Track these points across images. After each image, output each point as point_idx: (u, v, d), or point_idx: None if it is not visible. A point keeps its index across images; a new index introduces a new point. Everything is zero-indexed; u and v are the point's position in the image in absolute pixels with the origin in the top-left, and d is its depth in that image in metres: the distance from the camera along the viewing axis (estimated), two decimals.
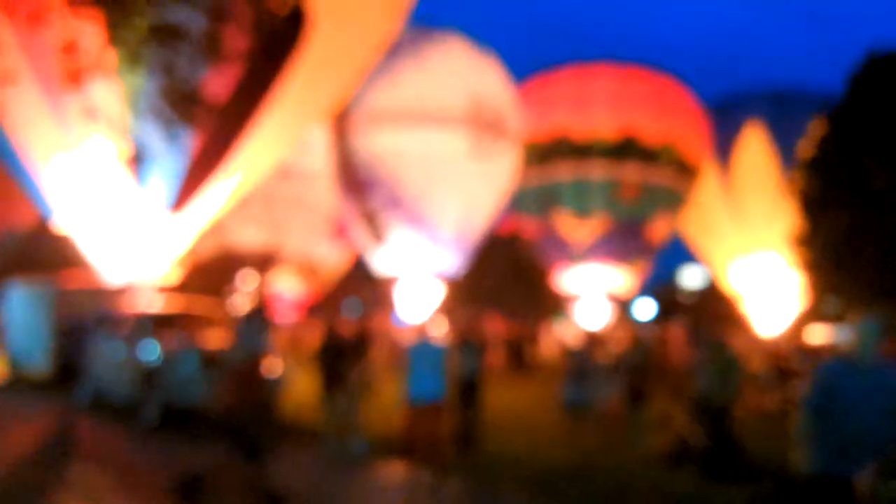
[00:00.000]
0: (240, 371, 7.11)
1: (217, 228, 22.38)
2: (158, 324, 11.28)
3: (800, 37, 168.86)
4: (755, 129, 29.83)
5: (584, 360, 9.16)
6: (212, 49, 11.06)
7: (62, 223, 14.61)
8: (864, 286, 19.02)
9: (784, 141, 28.81)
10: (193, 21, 9.85)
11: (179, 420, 10.01)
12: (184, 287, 20.63)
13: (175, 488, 6.37)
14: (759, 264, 30.28)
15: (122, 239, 15.03)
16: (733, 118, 30.18)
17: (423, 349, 7.71)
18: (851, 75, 19.84)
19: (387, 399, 10.76)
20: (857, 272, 19.04)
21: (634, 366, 8.36)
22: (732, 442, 7.31)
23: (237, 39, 11.87)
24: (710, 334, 8.85)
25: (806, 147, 21.46)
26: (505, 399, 11.93)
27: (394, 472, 8.00)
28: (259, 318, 7.49)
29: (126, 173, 13.83)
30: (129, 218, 14.71)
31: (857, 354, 4.15)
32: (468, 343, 8.82)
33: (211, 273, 20.57)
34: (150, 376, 10.38)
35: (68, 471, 7.67)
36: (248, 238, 24.61)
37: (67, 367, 12.93)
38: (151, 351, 10.59)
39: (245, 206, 25.77)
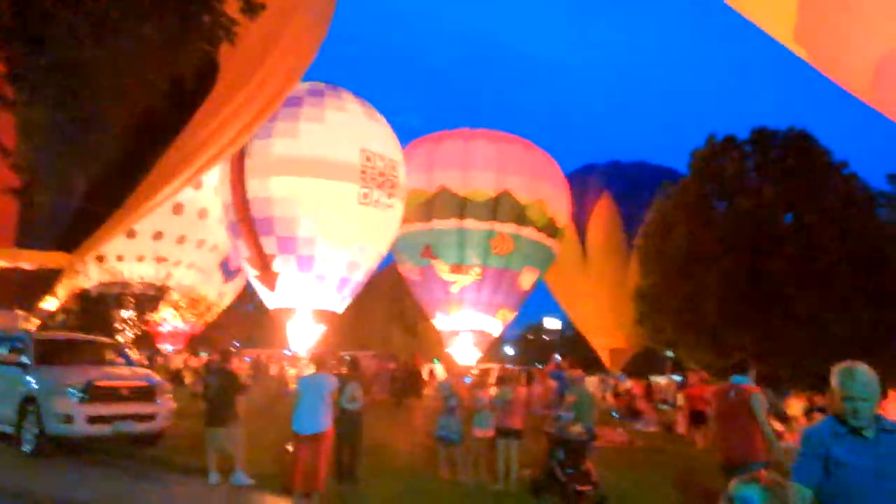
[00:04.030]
0: None
1: (102, 261, 21.09)
2: (46, 350, 10.41)
3: (647, 117, 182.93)
4: (606, 200, 31.79)
5: (452, 396, 9.26)
6: (113, 87, 10.59)
7: None
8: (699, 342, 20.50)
9: (628, 210, 30.91)
10: (98, 59, 9.39)
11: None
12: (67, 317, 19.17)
13: None
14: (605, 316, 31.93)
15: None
16: (587, 187, 32.07)
17: (311, 381, 7.57)
18: (694, 155, 21.53)
19: (270, 431, 10.37)
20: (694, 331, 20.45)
21: (503, 402, 8.57)
22: (588, 473, 7.60)
23: (140, 81, 11.42)
24: (572, 375, 9.23)
25: (653, 218, 23.08)
26: (383, 433, 11.80)
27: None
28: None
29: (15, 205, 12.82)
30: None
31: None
32: (352, 377, 8.70)
33: (97, 305, 19.22)
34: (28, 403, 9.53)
35: None
36: (138, 272, 23.28)
37: None
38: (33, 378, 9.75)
39: (134, 240, 24.48)
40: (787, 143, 20.83)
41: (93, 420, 9.46)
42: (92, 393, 9.51)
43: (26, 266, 14.99)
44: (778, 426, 14.66)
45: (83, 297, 20.49)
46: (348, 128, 26.04)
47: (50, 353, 10.39)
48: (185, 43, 9.86)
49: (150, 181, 14.34)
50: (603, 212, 31.10)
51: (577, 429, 7.84)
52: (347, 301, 28.01)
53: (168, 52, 10.37)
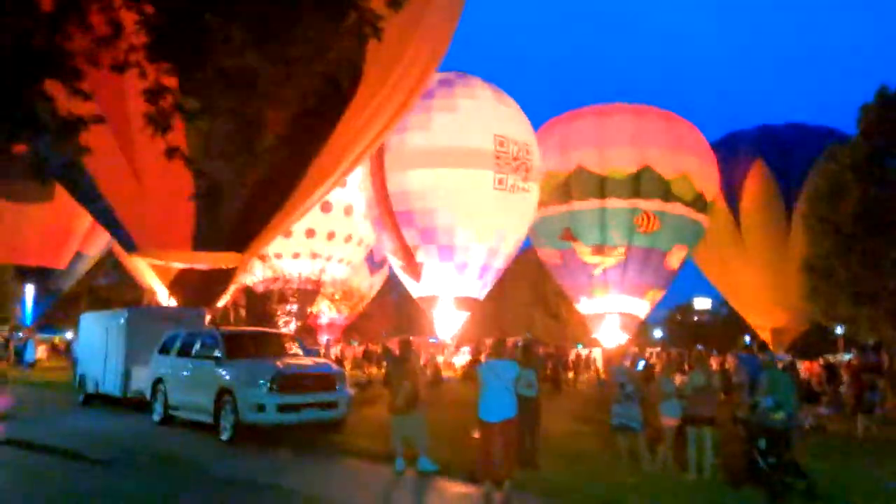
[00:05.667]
0: None
1: (264, 260, 22.49)
2: (235, 344, 11.23)
3: (799, 75, 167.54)
4: (759, 168, 29.53)
5: (628, 383, 8.90)
6: (277, 94, 11.04)
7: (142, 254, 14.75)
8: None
9: (784, 177, 28.58)
10: (260, 66, 9.85)
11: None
12: (236, 313, 20.62)
13: None
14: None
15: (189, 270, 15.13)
16: (737, 156, 29.93)
17: (494, 368, 7.51)
18: (864, 111, 19.53)
19: (442, 419, 10.54)
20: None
21: (694, 389, 8.13)
22: (794, 463, 7.03)
23: (298, 85, 11.92)
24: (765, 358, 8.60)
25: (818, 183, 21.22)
26: (550, 420, 11.66)
27: (463, 493, 7.77)
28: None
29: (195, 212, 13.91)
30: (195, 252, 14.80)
31: None
32: (527, 363, 8.61)
33: (263, 301, 20.56)
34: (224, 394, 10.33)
35: None
36: (295, 268, 24.72)
37: None
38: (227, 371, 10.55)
39: (289, 239, 25.96)
40: None
41: (282, 408, 10.04)
42: (280, 383, 10.10)
43: (202, 267, 16.24)
44: None
45: (249, 293, 21.95)
46: (480, 114, 26.06)
47: (238, 346, 11.16)
48: (335, 42, 10.16)
49: (307, 181, 15.03)
50: (757, 180, 28.96)
51: (779, 415, 7.28)
52: (488, 287, 28.17)
53: (320, 53, 10.74)
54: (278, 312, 21.13)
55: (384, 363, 12.27)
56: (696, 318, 43.39)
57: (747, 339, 16.64)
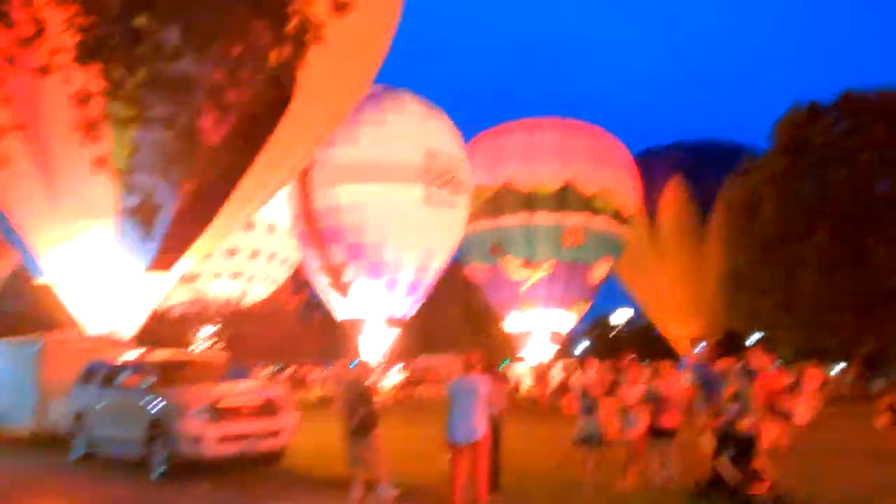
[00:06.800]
0: None
1: (188, 280, 21.33)
2: (166, 371, 10.40)
3: (718, 90, 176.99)
4: (675, 182, 30.78)
5: (586, 395, 8.82)
6: (215, 103, 10.44)
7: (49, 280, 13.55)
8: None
9: (699, 190, 29.90)
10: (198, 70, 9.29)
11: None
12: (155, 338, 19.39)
13: None
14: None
15: (105, 294, 14.07)
16: (654, 171, 31.09)
17: (463, 385, 7.20)
18: (777, 126, 20.61)
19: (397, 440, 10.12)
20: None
21: (654, 399, 8.12)
22: (760, 471, 7.12)
23: (238, 92, 11.32)
24: (719, 367, 8.74)
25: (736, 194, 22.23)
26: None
27: None
28: None
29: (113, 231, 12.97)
30: (112, 275, 13.81)
31: None
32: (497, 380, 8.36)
33: (184, 323, 19.42)
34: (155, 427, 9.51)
35: None
36: (216, 289, 23.54)
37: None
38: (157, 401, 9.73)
39: (209, 258, 24.74)
40: (879, 106, 19.76)
41: (220, 440, 9.35)
42: (217, 412, 9.41)
43: (123, 290, 15.15)
44: None
45: (163, 316, 20.77)
46: (409, 128, 25.83)
47: (171, 374, 10.36)
48: (276, 48, 9.72)
49: (240, 195, 14.33)
50: (673, 194, 30.16)
51: (746, 423, 7.34)
52: (418, 305, 27.87)
53: (261, 58, 10.25)
54: (198, 336, 20.06)
55: (329, 385, 11.71)
56: (615, 330, 44.69)
57: (702, 345, 17.07)
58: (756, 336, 26.93)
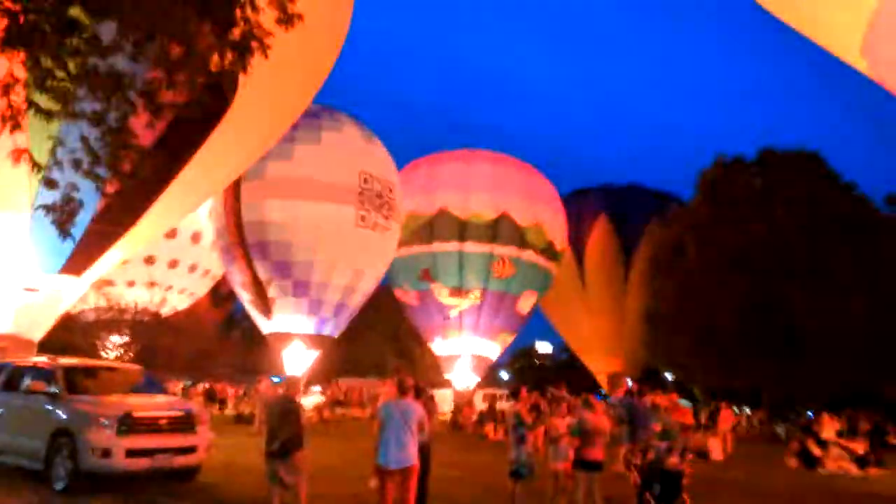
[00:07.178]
0: None
1: (100, 286, 20.19)
2: (76, 378, 9.71)
3: (631, 139, 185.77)
4: (601, 223, 31.74)
5: (521, 424, 8.78)
6: (149, 103, 10.06)
7: None
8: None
9: (624, 232, 30.93)
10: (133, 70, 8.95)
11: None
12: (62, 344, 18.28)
13: None
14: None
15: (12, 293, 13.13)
16: (583, 211, 31.99)
17: (396, 409, 7.02)
18: (701, 176, 21.61)
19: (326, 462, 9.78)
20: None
21: (582, 432, 8.17)
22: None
23: (175, 93, 10.93)
24: (649, 402, 8.89)
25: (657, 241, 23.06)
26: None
27: None
28: None
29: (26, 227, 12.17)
30: (21, 273, 12.93)
31: None
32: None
33: (93, 331, 18.36)
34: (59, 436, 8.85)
35: None
36: (130, 297, 22.36)
37: None
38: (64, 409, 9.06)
39: (124, 265, 23.59)
40: (796, 164, 21.05)
41: (132, 453, 8.79)
42: (130, 424, 8.85)
43: (30, 292, 14.21)
44: (816, 450, 14.51)
45: (73, 322, 19.61)
46: (345, 149, 25.61)
47: (79, 381, 9.68)
48: (219, 52, 9.47)
49: (167, 199, 13.75)
50: (600, 234, 31.05)
51: (674, 459, 7.47)
52: (343, 326, 27.39)
53: (203, 61, 9.96)
54: (107, 344, 19.00)
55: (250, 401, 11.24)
56: (537, 362, 45.24)
57: (629, 381, 17.44)
58: (670, 375, 27.93)
